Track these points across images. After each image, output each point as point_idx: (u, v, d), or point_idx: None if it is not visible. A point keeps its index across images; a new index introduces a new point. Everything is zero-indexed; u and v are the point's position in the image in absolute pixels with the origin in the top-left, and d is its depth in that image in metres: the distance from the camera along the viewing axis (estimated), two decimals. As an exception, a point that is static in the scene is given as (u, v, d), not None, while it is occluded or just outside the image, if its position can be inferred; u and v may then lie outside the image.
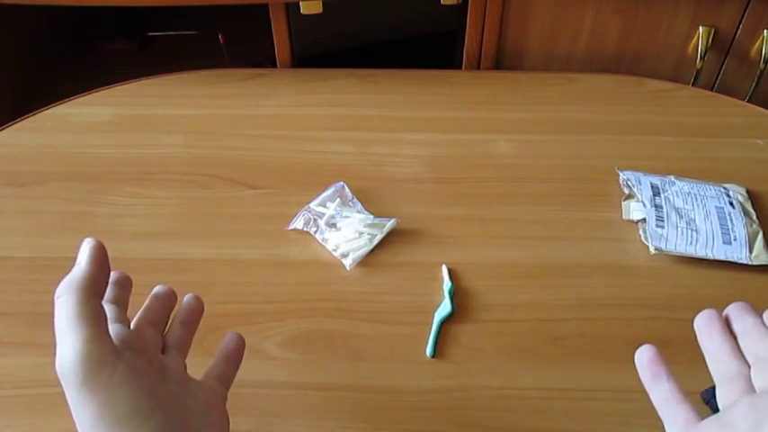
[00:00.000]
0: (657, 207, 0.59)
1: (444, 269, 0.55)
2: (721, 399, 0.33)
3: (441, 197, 0.63)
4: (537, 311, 0.53)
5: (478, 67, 0.84)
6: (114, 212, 0.61)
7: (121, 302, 0.38)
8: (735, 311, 0.36)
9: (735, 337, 0.35)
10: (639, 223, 0.59)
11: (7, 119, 0.72)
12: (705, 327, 0.36)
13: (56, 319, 0.32)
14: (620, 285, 0.55)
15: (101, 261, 0.34)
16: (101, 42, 1.09)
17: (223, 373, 0.40)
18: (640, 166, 0.65)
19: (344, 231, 0.58)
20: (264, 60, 0.96)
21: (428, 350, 0.50)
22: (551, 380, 0.48)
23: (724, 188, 0.62)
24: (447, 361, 0.50)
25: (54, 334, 0.31)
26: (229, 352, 0.41)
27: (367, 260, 0.57)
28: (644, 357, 0.36)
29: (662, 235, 0.57)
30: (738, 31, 0.80)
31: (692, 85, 0.82)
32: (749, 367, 0.33)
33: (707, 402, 0.44)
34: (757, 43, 0.80)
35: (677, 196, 0.61)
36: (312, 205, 0.60)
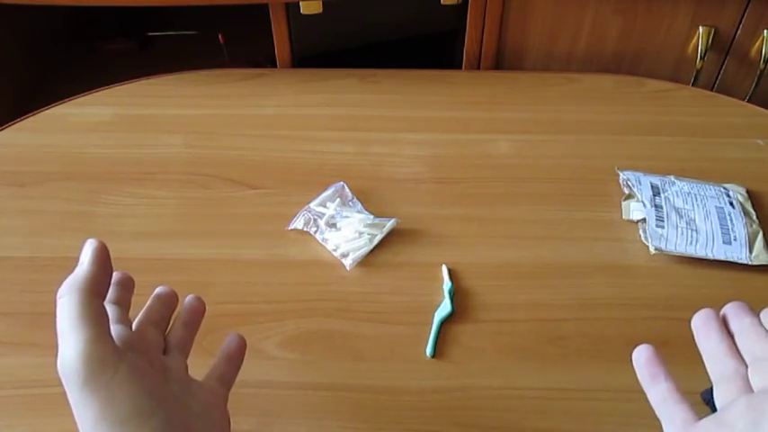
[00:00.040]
0: (657, 207, 0.59)
1: (444, 269, 0.56)
2: (719, 398, 0.33)
3: (441, 197, 0.63)
4: (537, 311, 0.53)
5: (478, 67, 0.84)
6: (114, 212, 0.61)
7: (123, 303, 0.38)
8: (732, 311, 0.36)
9: (732, 337, 0.35)
10: (639, 223, 0.59)
11: (7, 119, 0.72)
12: (702, 326, 0.36)
13: (58, 320, 0.32)
14: (620, 285, 0.55)
15: (103, 262, 0.34)
16: (101, 42, 1.09)
17: (224, 374, 0.40)
18: (640, 166, 0.65)
19: (344, 231, 0.58)
20: (264, 60, 0.96)
21: (428, 350, 0.50)
22: (551, 380, 0.48)
23: (724, 188, 0.62)
24: (447, 361, 0.50)
25: (54, 334, 0.32)
26: (231, 353, 0.41)
27: (367, 260, 0.57)
28: (641, 357, 0.36)
29: (662, 235, 0.57)
30: (738, 31, 0.80)
31: (692, 85, 0.82)
32: (746, 367, 0.33)
33: (707, 402, 0.43)
34: (757, 43, 0.80)
35: (677, 196, 0.61)
36: (312, 205, 0.60)
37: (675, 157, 0.67)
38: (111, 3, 0.75)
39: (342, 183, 0.63)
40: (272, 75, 0.80)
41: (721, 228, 0.57)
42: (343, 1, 0.81)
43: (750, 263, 0.55)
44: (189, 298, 0.42)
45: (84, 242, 0.35)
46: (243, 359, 0.42)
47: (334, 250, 0.57)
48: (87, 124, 0.71)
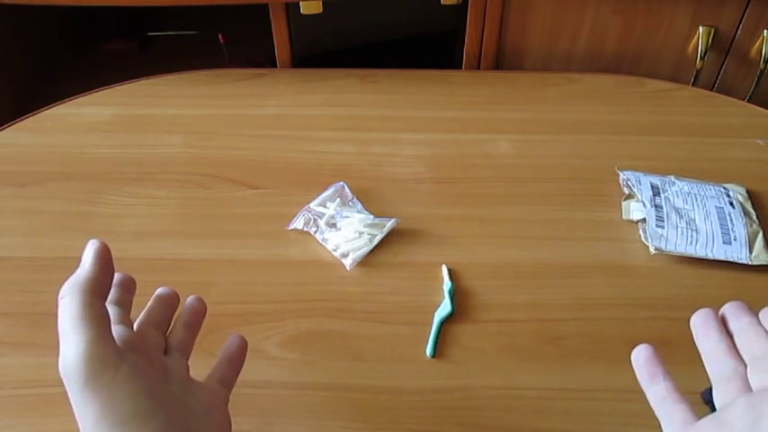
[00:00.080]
0: (657, 207, 0.59)
1: (444, 269, 0.56)
2: (718, 398, 0.33)
3: (441, 197, 0.63)
4: (537, 311, 0.53)
5: (478, 67, 0.84)
6: (114, 212, 0.61)
7: (125, 304, 0.38)
8: (731, 311, 0.36)
9: (731, 337, 0.35)
10: (639, 223, 0.59)
11: (7, 119, 0.72)
12: (701, 326, 0.36)
13: (59, 320, 0.32)
14: (620, 285, 0.55)
15: (105, 263, 0.34)
16: (101, 42, 1.09)
17: (225, 375, 0.40)
18: (640, 166, 0.65)
19: (344, 231, 0.58)
20: (264, 60, 0.96)
21: (428, 350, 0.50)
22: (551, 380, 0.48)
23: (724, 188, 0.62)
24: (447, 361, 0.50)
25: (55, 334, 0.32)
26: (232, 354, 0.41)
27: (367, 260, 0.57)
28: (640, 357, 0.36)
29: (662, 235, 0.57)
30: (738, 31, 0.80)
31: (692, 85, 0.82)
32: (745, 366, 0.33)
33: (707, 402, 0.43)
34: (757, 43, 0.80)
35: (677, 196, 0.61)
36: (312, 205, 0.60)
37: (675, 157, 0.67)
38: (111, 3, 0.75)
39: (342, 183, 0.63)
40: (272, 75, 0.80)
41: (721, 228, 0.57)
42: (343, 1, 0.81)
43: (750, 263, 0.55)
44: (190, 299, 0.42)
45: (84, 242, 0.35)
46: (244, 360, 0.42)
47: (334, 250, 0.57)
48: (87, 124, 0.71)
